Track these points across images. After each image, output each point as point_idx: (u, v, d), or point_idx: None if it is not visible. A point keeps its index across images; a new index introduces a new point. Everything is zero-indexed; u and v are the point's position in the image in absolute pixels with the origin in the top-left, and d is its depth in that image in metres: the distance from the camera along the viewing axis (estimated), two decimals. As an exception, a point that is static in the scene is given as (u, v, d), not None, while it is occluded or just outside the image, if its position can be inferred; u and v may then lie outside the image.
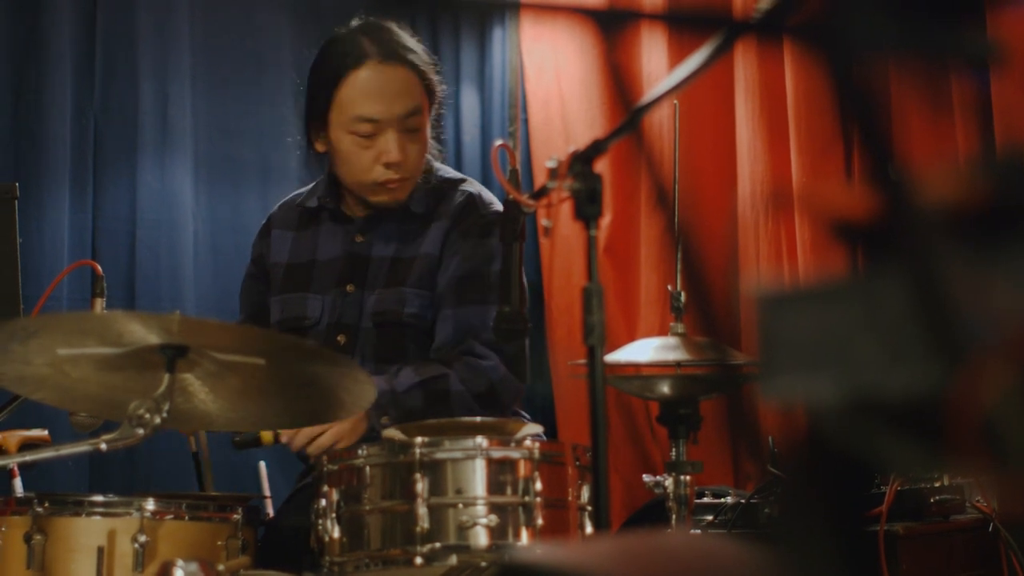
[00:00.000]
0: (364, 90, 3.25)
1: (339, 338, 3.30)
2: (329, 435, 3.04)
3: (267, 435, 3.07)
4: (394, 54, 3.27)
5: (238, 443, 3.10)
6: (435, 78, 3.35)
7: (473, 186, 3.41)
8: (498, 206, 3.33)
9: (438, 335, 3.26)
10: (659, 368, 2.86)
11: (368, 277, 3.32)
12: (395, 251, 3.33)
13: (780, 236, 4.50)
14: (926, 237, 0.84)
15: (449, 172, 3.47)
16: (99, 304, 3.02)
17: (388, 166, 3.25)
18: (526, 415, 3.41)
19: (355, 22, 3.39)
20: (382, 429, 3.08)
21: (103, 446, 2.53)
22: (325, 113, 3.29)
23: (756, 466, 4.24)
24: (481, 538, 2.36)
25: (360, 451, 2.44)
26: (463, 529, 2.35)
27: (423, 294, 3.26)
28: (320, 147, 3.36)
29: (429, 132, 3.34)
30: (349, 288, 3.33)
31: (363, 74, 3.25)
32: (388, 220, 3.35)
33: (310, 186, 3.56)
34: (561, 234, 5.12)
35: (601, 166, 2.08)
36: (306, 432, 3.02)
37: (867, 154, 0.88)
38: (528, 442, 2.43)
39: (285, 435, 3.04)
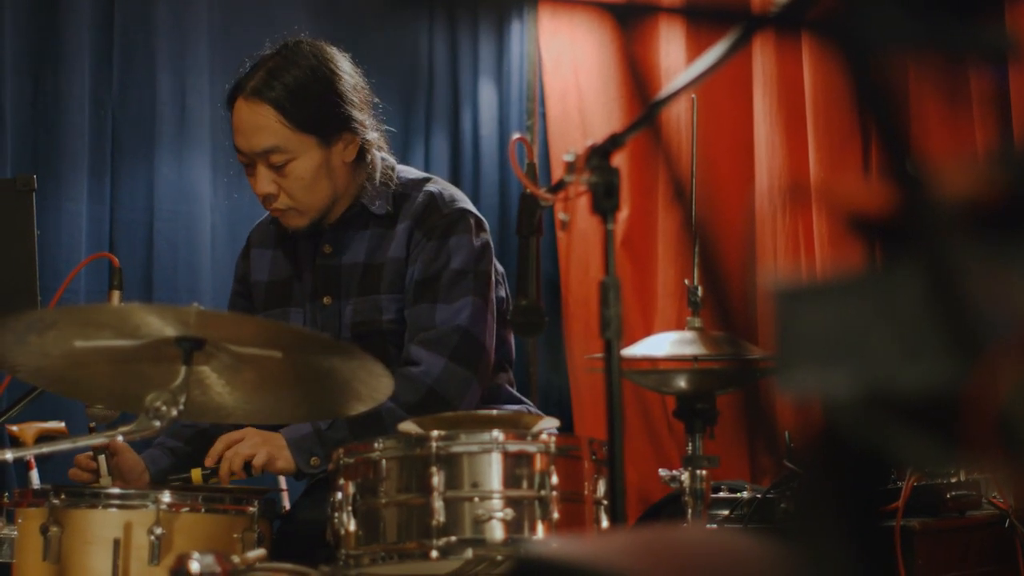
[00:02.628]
0: (234, 124, 3.24)
1: None
2: (247, 444, 3.02)
3: (196, 474, 3.05)
4: (258, 91, 3.18)
5: (172, 480, 3.09)
6: (321, 112, 3.19)
7: (435, 184, 3.33)
8: (460, 203, 3.29)
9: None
10: (676, 362, 2.86)
11: (342, 287, 3.28)
12: (365, 257, 3.27)
13: (797, 230, 4.50)
14: (943, 231, 0.84)
15: (412, 173, 3.39)
16: (116, 296, 3.02)
17: (262, 198, 3.24)
18: (531, 405, 3.40)
19: (290, 38, 3.28)
20: (310, 471, 3.07)
21: (120, 438, 2.53)
22: None
23: (772, 461, 4.23)
24: (497, 532, 2.36)
25: (376, 444, 2.44)
26: (479, 523, 2.35)
27: (398, 298, 3.21)
28: None
29: (313, 164, 3.18)
30: (326, 300, 3.29)
31: (236, 107, 3.23)
32: (352, 227, 3.30)
33: None
34: (578, 228, 5.13)
35: (618, 160, 2.08)
36: (228, 462, 3.01)
37: (884, 148, 0.88)
38: (544, 436, 2.42)
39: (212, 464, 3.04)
